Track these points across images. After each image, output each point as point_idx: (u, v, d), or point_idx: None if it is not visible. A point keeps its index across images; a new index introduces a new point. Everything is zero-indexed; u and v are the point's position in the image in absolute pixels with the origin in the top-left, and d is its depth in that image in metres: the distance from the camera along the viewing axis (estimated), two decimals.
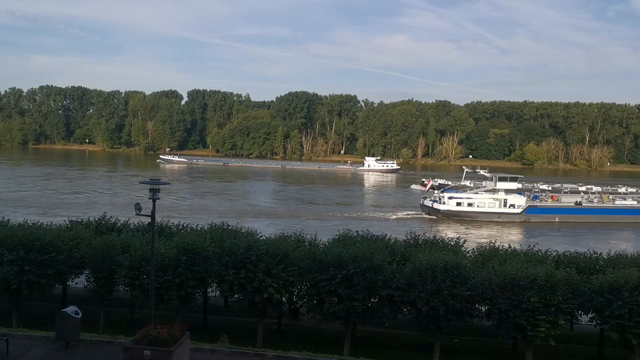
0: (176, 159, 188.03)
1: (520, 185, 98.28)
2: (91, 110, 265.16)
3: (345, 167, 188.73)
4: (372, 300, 25.90)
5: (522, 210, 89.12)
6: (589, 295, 24.88)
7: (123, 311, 31.91)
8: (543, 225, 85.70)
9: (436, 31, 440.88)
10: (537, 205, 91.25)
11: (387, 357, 27.01)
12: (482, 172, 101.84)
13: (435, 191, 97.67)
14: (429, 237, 32.42)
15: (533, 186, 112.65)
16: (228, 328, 29.43)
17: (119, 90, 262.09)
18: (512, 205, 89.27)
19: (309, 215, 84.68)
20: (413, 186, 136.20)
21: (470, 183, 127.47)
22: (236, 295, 27.09)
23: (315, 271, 25.80)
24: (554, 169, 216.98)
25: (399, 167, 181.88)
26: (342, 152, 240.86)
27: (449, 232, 74.54)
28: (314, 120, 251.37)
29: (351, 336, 26.96)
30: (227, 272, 26.11)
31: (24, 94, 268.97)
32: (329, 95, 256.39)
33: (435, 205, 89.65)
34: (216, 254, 26.99)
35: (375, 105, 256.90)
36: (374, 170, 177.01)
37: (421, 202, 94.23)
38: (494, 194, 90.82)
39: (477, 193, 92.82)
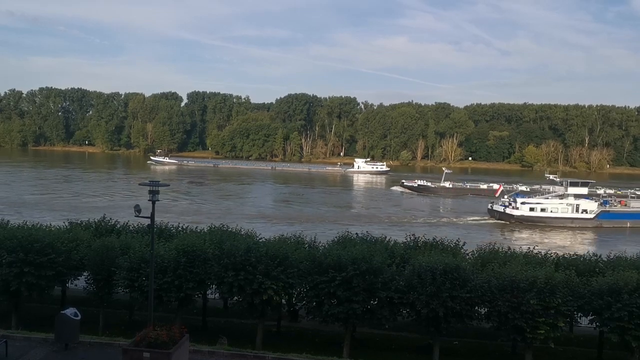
0: (167, 160, 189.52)
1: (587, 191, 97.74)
2: (91, 112, 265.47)
3: (335, 168, 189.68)
4: (372, 302, 25.87)
5: (594, 215, 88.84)
6: (589, 297, 24.85)
7: (122, 313, 31.88)
8: (615, 231, 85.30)
9: (436, 33, 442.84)
10: (609, 211, 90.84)
11: (386, 359, 27.01)
12: (551, 177, 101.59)
13: (505, 196, 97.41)
14: (428, 239, 32.41)
15: (597, 191, 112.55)
16: (227, 330, 29.42)
17: (118, 92, 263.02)
18: (585, 211, 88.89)
19: (368, 222, 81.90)
20: (393, 188, 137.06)
21: (449, 184, 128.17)
22: (235, 297, 27.05)
23: (314, 273, 25.78)
24: (554, 171, 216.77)
25: (388, 169, 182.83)
26: (341, 154, 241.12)
27: (524, 237, 75.74)
28: (313, 122, 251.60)
29: (350, 338, 26.93)
30: (226, 274, 26.09)
31: (24, 95, 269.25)
32: (329, 97, 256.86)
33: (508, 211, 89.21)
34: (215, 256, 26.97)
35: (375, 107, 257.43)
36: (364, 172, 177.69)
37: (489, 207, 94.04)
38: (562, 199, 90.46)
39: (548, 198, 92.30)
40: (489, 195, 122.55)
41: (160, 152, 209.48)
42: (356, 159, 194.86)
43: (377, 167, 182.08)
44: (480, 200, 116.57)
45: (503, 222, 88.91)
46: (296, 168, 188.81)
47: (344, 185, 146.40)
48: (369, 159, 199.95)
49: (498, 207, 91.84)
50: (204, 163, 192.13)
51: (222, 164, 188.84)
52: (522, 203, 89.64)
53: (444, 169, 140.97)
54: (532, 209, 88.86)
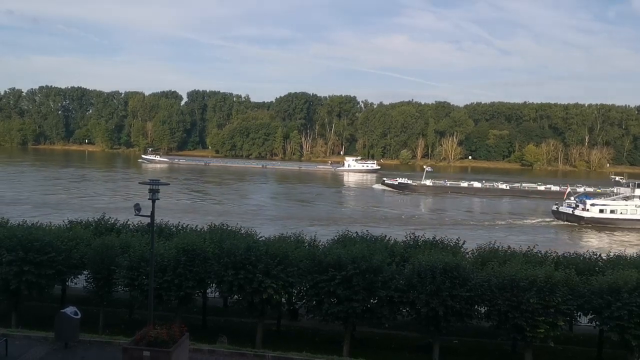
0: (158, 158, 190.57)
1: None
2: (91, 111, 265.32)
3: (325, 167, 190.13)
4: (372, 301, 25.87)
5: None
6: (588, 296, 24.86)
7: (122, 312, 31.90)
8: None
9: (436, 32, 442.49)
10: None
11: (386, 358, 27.01)
12: (617, 178, 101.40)
13: (572, 198, 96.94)
14: (428, 238, 32.40)
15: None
16: (227, 329, 29.42)
17: (118, 91, 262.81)
18: None
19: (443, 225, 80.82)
20: (375, 186, 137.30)
21: (430, 182, 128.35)
22: (235, 296, 27.07)
23: (314, 272, 25.78)
24: (554, 170, 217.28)
25: (378, 167, 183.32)
26: (341, 152, 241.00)
27: (595, 240, 75.22)
28: (313, 121, 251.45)
29: (350, 337, 26.94)
30: (226, 273, 26.09)
31: (24, 94, 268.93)
32: (329, 96, 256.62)
33: (577, 212, 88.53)
34: (215, 255, 26.98)
35: (375, 106, 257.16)
36: (354, 170, 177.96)
37: (554, 209, 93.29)
38: (628, 200, 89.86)
39: (615, 200, 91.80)
40: (468, 194, 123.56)
41: (151, 150, 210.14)
42: (346, 158, 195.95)
43: (367, 166, 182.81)
44: (461, 199, 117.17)
45: (571, 224, 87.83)
46: (286, 166, 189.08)
47: (336, 184, 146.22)
48: (359, 158, 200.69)
49: (565, 209, 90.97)
50: (195, 161, 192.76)
51: (213, 163, 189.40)
52: (592, 205, 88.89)
53: (424, 167, 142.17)
54: (601, 211, 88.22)
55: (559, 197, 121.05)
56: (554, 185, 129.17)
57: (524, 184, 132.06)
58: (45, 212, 73.05)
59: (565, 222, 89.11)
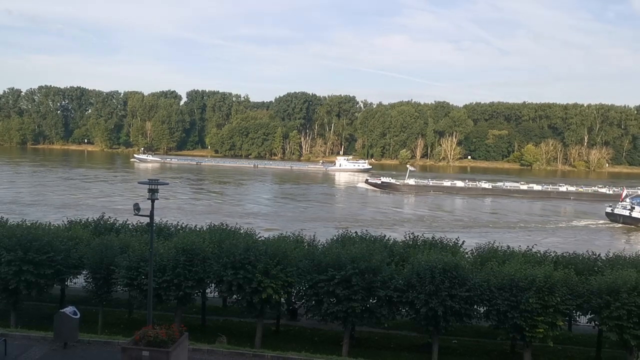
0: (150, 158, 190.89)
1: None
2: (90, 111, 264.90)
3: (316, 166, 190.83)
4: (371, 301, 25.89)
5: None
6: (588, 296, 24.90)
7: (121, 311, 31.91)
8: None
9: (436, 32, 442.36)
10: None
11: (385, 357, 27.03)
12: None
13: (627, 199, 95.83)
14: (427, 238, 32.40)
15: None
16: (226, 329, 29.45)
17: (117, 91, 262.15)
18: None
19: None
20: (358, 185, 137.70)
21: (413, 182, 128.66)
22: (235, 296, 27.07)
23: (313, 272, 25.80)
24: (553, 170, 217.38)
25: (370, 167, 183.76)
26: (341, 152, 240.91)
27: None
28: (312, 121, 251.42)
29: (349, 337, 26.95)
30: (225, 273, 26.11)
31: (23, 94, 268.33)
32: (328, 96, 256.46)
33: (635, 214, 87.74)
34: (215, 255, 26.98)
35: (374, 106, 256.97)
36: (345, 169, 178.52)
37: (608, 210, 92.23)
38: None
39: None
40: (450, 193, 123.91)
41: (144, 150, 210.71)
42: (338, 157, 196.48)
43: (358, 165, 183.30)
44: (471, 199, 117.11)
45: (629, 226, 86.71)
46: (278, 166, 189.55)
47: (326, 183, 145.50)
48: (350, 157, 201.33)
49: (621, 211, 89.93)
50: (187, 161, 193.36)
51: (205, 162, 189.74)
52: None
53: (408, 166, 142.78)
54: None
55: (542, 196, 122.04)
56: (536, 185, 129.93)
57: (506, 184, 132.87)
58: (67, 214, 71.63)
59: (622, 225, 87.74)
